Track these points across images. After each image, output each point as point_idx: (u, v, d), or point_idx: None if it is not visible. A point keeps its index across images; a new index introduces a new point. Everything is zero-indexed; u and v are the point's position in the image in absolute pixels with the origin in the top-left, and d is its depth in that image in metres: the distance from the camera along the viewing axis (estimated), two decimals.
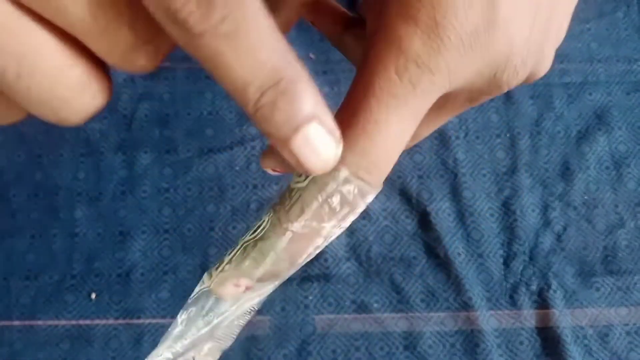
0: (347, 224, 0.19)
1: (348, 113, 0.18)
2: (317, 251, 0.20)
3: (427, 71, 0.18)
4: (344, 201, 0.18)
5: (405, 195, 0.45)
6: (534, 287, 0.43)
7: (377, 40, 0.18)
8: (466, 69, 0.19)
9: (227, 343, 0.22)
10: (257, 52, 0.16)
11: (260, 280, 0.20)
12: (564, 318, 0.42)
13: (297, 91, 0.16)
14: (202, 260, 0.43)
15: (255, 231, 0.20)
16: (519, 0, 0.19)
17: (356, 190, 0.18)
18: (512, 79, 0.21)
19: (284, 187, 0.21)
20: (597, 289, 0.43)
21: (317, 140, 0.17)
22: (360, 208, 0.19)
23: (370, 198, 0.19)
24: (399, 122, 0.18)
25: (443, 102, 0.19)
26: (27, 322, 0.41)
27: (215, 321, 0.20)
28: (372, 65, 0.18)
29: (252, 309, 0.21)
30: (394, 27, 0.18)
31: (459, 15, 0.18)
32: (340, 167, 0.18)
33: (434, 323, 0.42)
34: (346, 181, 0.18)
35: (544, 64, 0.22)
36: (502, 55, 0.19)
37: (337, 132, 0.17)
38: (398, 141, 0.18)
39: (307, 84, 0.17)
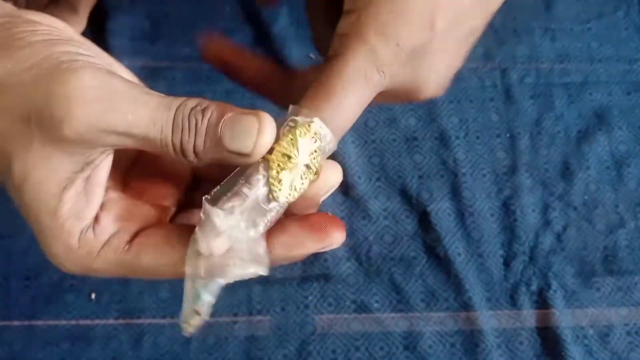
0: (316, 162, 0.24)
1: (322, 89, 0.25)
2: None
3: (380, 73, 0.25)
4: (316, 138, 0.24)
5: (405, 195, 0.45)
6: (534, 287, 0.43)
7: (351, 46, 0.25)
8: (399, 79, 0.26)
9: None
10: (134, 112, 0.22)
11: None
12: (564, 318, 0.42)
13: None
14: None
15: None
16: (448, 42, 0.27)
17: (325, 133, 0.24)
18: (423, 98, 0.29)
19: None
20: (598, 289, 0.43)
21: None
22: (326, 149, 0.25)
23: (332, 145, 0.25)
24: (355, 99, 0.25)
25: (380, 94, 0.27)
26: (27, 322, 0.41)
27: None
28: (345, 61, 0.25)
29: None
30: (366, 38, 0.25)
31: (410, 44, 0.26)
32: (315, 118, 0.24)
33: (434, 323, 0.42)
34: (320, 126, 0.24)
35: (444, 87, 0.29)
36: (423, 79, 0.27)
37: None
38: (353, 111, 0.25)
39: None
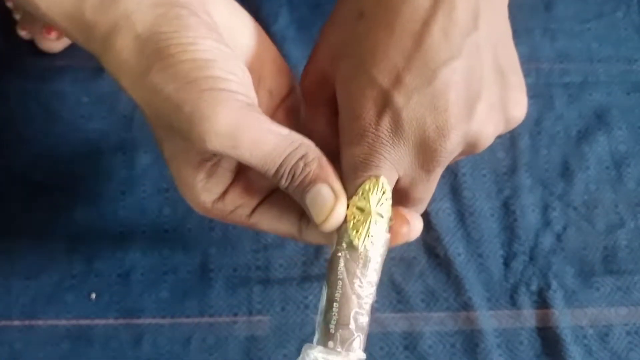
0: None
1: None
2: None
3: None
4: (384, 190, 0.29)
5: None
6: (534, 287, 0.43)
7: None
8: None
9: None
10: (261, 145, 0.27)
11: None
12: (564, 318, 0.42)
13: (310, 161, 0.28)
14: (202, 260, 0.43)
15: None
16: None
17: (388, 186, 0.29)
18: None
19: None
20: (597, 289, 0.43)
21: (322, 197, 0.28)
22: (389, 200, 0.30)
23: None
24: None
25: None
26: (27, 322, 0.41)
27: None
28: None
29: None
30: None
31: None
32: None
33: (434, 323, 0.42)
34: (385, 180, 0.29)
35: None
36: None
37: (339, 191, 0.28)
38: None
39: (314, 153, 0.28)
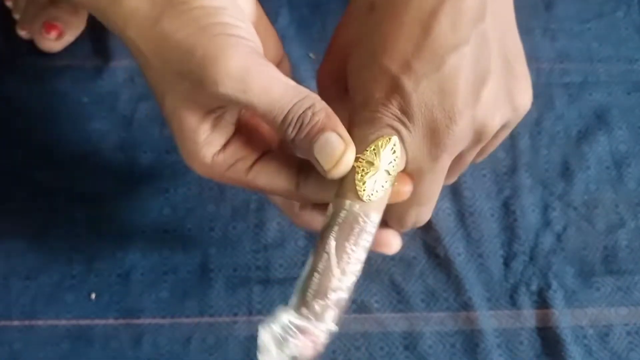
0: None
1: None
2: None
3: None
4: (394, 150, 0.30)
5: None
6: (534, 287, 0.43)
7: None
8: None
9: None
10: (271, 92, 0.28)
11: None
12: (564, 318, 0.42)
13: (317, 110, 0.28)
14: (202, 260, 0.43)
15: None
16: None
17: (399, 147, 0.30)
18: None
19: None
20: (598, 289, 0.43)
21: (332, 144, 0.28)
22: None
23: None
24: None
25: None
26: (27, 322, 0.41)
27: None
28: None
29: None
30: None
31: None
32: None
33: (434, 323, 0.42)
34: (396, 142, 0.30)
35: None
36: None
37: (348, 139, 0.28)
38: None
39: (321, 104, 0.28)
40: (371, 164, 0.29)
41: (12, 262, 0.42)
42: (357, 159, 0.29)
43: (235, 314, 0.41)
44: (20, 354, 0.40)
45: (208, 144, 0.30)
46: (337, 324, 0.28)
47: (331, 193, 0.30)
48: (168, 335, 0.41)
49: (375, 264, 0.43)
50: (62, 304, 0.41)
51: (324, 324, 0.28)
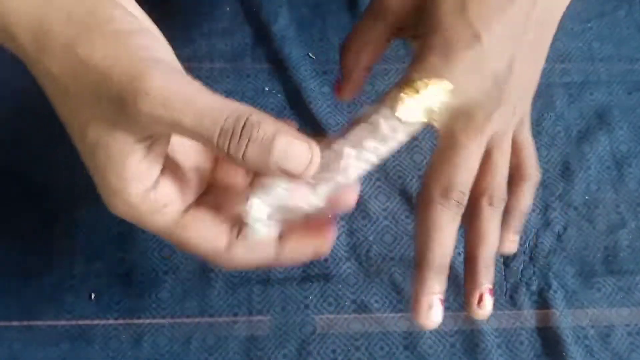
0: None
1: None
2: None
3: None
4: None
5: (405, 195, 0.45)
6: (534, 287, 0.43)
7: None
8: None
9: None
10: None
11: None
12: (564, 318, 0.42)
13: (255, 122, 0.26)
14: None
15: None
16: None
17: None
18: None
19: None
20: (598, 289, 0.43)
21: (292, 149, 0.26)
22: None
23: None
24: None
25: None
26: (27, 322, 0.41)
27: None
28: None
29: None
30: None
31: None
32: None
33: None
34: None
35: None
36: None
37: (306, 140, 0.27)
38: None
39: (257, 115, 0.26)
40: (417, 91, 0.29)
41: (12, 262, 0.42)
42: (410, 80, 0.29)
43: (235, 314, 0.41)
44: (19, 354, 0.40)
45: (136, 180, 0.27)
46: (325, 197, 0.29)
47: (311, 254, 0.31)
48: (168, 335, 0.41)
49: (375, 264, 0.43)
50: (62, 304, 0.41)
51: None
